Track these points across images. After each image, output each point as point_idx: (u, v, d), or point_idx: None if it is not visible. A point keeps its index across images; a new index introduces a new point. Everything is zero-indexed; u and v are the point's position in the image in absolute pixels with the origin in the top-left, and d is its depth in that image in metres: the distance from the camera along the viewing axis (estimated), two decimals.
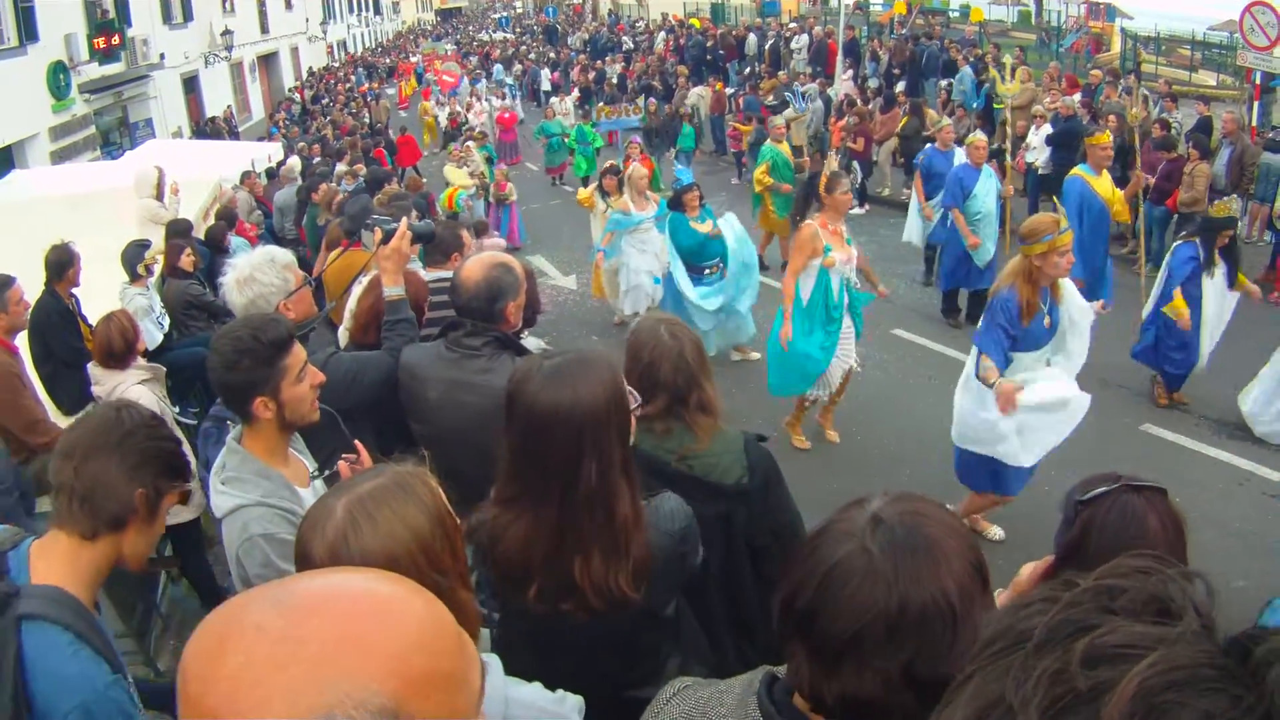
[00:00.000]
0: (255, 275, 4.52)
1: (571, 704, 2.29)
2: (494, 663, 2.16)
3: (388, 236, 4.52)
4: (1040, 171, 16.99)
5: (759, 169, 15.61)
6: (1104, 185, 10.60)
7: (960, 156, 13.38)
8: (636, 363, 3.59)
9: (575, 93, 32.05)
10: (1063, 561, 2.53)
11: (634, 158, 16.38)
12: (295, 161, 20.34)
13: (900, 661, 1.58)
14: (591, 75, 34.58)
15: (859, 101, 21.65)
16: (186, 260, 9.61)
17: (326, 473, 3.45)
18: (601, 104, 22.24)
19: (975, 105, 20.93)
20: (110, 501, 2.69)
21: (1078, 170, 10.78)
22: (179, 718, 1.04)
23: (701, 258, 11.13)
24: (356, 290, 5.10)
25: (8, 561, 2.76)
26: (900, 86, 25.23)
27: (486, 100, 30.76)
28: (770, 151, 15.50)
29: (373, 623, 1.06)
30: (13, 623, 2.51)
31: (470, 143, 21.07)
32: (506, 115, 28.54)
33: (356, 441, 3.42)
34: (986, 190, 12.22)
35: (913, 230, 14.74)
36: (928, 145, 15.39)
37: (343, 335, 5.15)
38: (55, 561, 2.68)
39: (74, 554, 2.70)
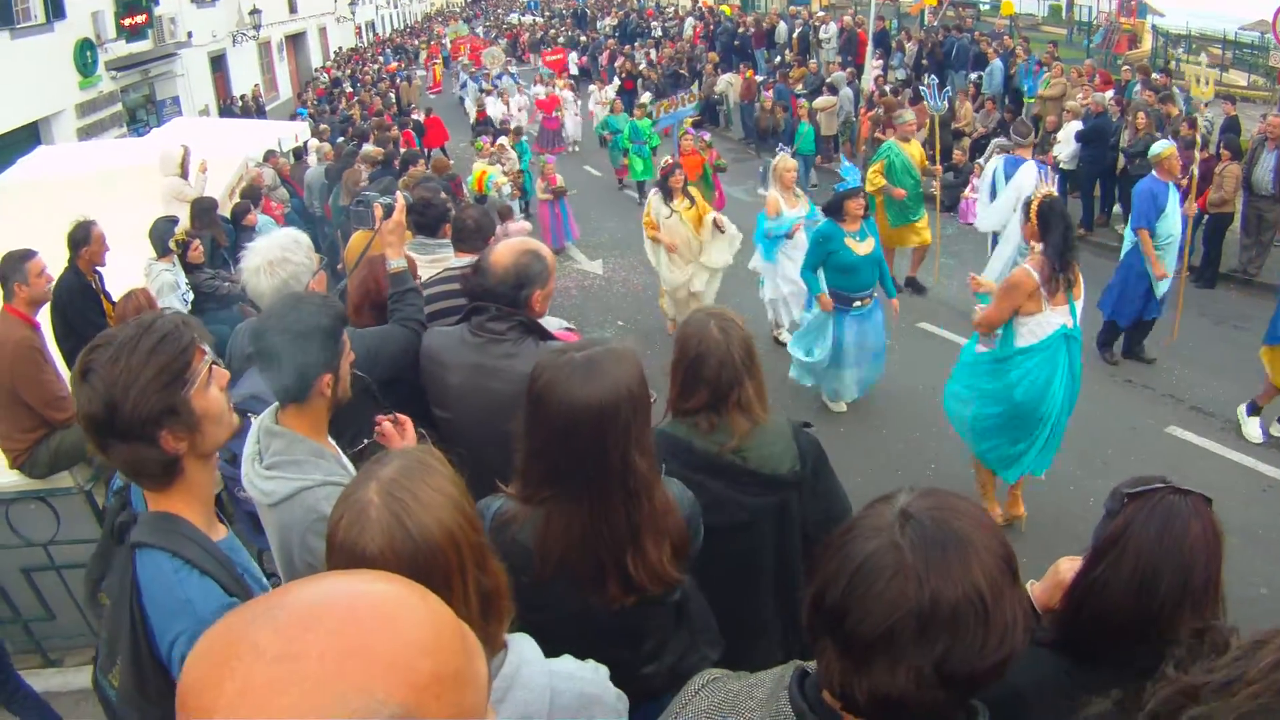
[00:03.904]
0: (288, 256, 4.52)
1: (604, 672, 2.32)
2: (525, 641, 2.18)
3: (388, 211, 4.55)
4: (1064, 166, 16.79)
5: (873, 168, 13.44)
6: None
7: (1031, 169, 11.77)
8: (683, 356, 3.57)
9: (615, 81, 30.92)
10: (1099, 553, 2.51)
11: (688, 150, 15.60)
12: (315, 143, 20.45)
13: (933, 658, 1.57)
14: (620, 60, 34.43)
15: (886, 92, 21.54)
16: (195, 253, 9.58)
17: (365, 442, 3.39)
18: (662, 100, 20.80)
19: (944, 96, 19.88)
20: (148, 468, 2.59)
21: None
22: None
23: (852, 286, 9.26)
24: None
25: (129, 491, 2.92)
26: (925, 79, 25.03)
27: (524, 90, 29.95)
28: (888, 149, 13.48)
29: (373, 630, 1.00)
30: (129, 551, 2.61)
31: (503, 139, 19.91)
32: (546, 99, 27.54)
33: (398, 414, 3.47)
34: (1175, 208, 10.53)
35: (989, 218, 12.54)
36: (1009, 155, 12.52)
37: None
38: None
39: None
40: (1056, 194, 7.13)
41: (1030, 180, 11.18)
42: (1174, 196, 10.49)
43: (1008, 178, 11.95)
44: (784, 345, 11.03)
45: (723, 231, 11.32)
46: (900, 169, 13.09)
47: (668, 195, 11.56)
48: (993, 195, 12.27)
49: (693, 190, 11.83)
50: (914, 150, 13.46)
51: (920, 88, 16.79)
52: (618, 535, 2.77)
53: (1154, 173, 10.67)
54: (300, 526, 3.10)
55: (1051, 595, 2.70)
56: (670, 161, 12.09)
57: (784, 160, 11.16)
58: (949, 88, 19.06)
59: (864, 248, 9.05)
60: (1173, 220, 10.47)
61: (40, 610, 6.47)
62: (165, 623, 2.51)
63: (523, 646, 2.16)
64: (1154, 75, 19.97)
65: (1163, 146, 10.80)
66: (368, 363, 4.08)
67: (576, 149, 27.50)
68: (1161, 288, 10.65)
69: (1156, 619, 2.34)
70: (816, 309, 9.57)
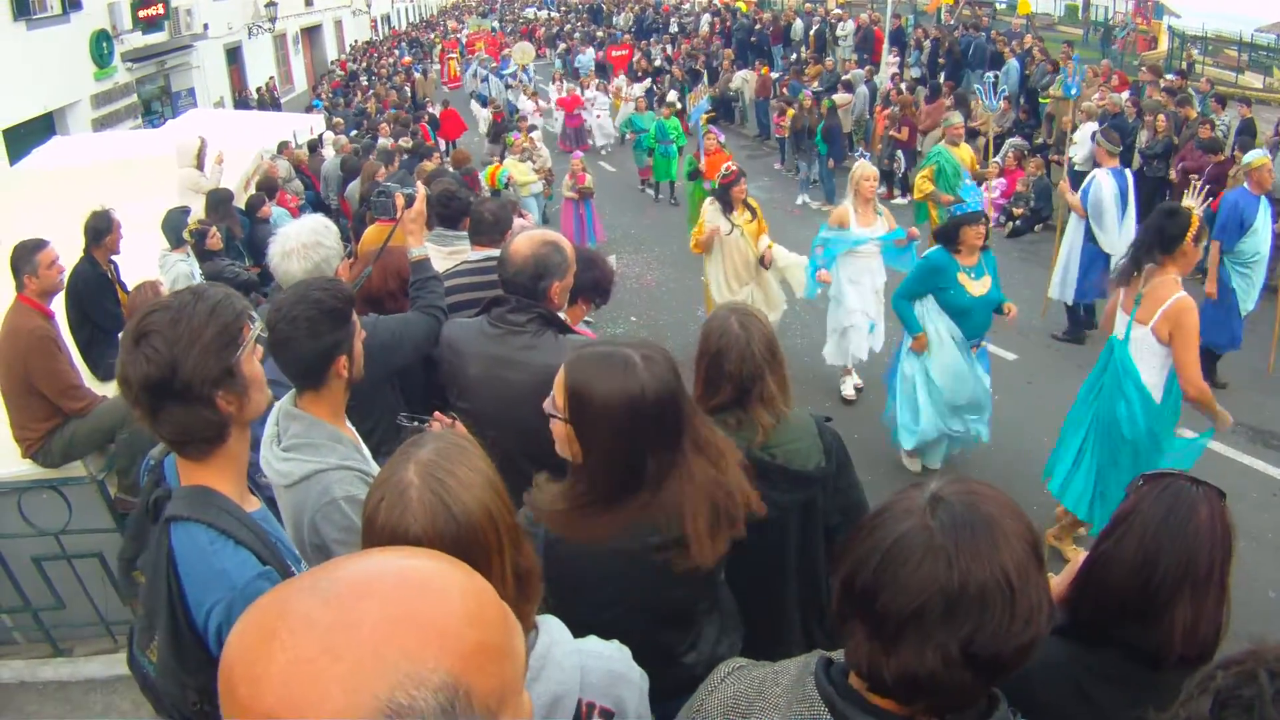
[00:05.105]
0: (320, 240, 4.55)
1: (628, 650, 2.35)
2: (554, 621, 2.21)
3: (410, 201, 4.61)
4: (1077, 168, 16.65)
5: (921, 173, 12.48)
6: None
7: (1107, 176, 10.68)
8: (704, 353, 3.61)
9: (646, 80, 29.71)
10: (1107, 531, 2.57)
11: (712, 149, 14.98)
12: (330, 136, 20.56)
13: (959, 638, 1.61)
14: (636, 57, 34.36)
15: (903, 90, 21.51)
16: (213, 240, 9.63)
17: (418, 423, 3.41)
18: (691, 93, 19.76)
19: (1000, 95, 19.29)
20: (201, 431, 2.59)
21: None
22: None
23: (963, 329, 7.64)
24: None
25: (163, 469, 2.89)
26: (941, 77, 25.02)
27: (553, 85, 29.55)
28: (938, 153, 12.36)
29: (421, 600, 1.04)
30: (164, 525, 2.62)
31: (536, 133, 19.33)
32: (567, 97, 26.75)
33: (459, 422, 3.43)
34: (1266, 224, 9.65)
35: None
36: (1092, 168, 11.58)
37: None
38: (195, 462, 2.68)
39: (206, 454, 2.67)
40: (1191, 206, 6.29)
41: (1110, 187, 10.64)
42: (1265, 212, 9.77)
43: (1122, 191, 10.85)
44: (852, 403, 10.22)
45: (767, 268, 9.91)
46: (952, 174, 11.91)
47: (728, 207, 9.88)
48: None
49: (752, 202, 10.20)
50: (964, 154, 12.70)
51: (975, 85, 16.64)
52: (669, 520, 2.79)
53: (1245, 185, 9.98)
54: (312, 509, 3.12)
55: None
56: (735, 170, 10.15)
57: (863, 168, 9.55)
58: (1004, 87, 18.58)
59: (979, 287, 7.48)
60: (1262, 237, 9.72)
61: (51, 599, 6.49)
62: (201, 593, 2.53)
63: (552, 626, 2.19)
64: (1169, 77, 19.89)
65: (1255, 156, 10.06)
66: (392, 347, 4.11)
67: (605, 150, 27.14)
68: (1245, 307, 9.87)
69: (1154, 599, 2.38)
70: (905, 359, 8.11)
